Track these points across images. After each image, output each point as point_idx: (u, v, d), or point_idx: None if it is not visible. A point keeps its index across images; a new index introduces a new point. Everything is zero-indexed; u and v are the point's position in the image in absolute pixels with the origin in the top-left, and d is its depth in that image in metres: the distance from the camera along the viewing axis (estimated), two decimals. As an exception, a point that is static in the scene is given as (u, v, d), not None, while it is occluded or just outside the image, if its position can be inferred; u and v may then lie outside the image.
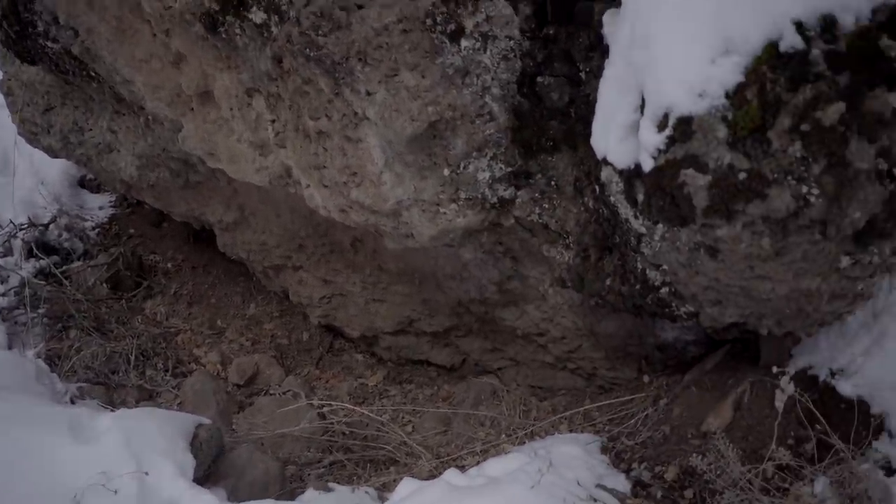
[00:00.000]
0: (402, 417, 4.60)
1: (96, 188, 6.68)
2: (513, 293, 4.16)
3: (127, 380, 4.88)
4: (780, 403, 3.04)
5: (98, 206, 6.56)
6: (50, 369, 4.58)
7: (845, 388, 3.21)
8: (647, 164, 2.50)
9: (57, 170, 6.42)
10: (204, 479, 3.49)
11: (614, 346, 4.15)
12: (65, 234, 6.12)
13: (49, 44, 4.31)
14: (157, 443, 3.38)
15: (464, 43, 3.01)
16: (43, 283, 5.49)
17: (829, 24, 2.11)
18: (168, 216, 5.86)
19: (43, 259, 5.69)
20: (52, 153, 5.38)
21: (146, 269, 6.00)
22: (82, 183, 6.72)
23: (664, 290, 3.05)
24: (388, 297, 4.85)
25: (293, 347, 5.46)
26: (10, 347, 4.89)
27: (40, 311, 5.22)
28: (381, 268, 4.67)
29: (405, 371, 5.19)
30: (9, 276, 5.49)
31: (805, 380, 3.30)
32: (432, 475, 3.67)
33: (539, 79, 3.15)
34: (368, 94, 3.21)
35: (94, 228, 6.32)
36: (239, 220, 5.12)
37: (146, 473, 3.19)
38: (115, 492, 3.06)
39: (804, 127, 2.20)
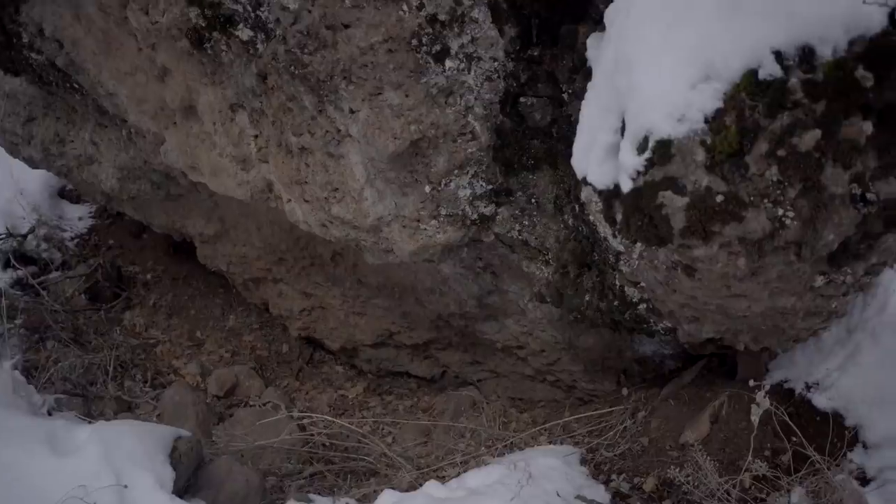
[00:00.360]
0: (383, 429, 4.61)
1: (76, 199, 6.62)
2: (492, 307, 4.19)
3: (105, 391, 4.83)
4: (755, 417, 3.08)
5: (78, 217, 6.49)
6: (27, 381, 4.51)
7: (820, 401, 3.28)
8: (626, 186, 2.53)
9: (37, 180, 6.34)
10: (183, 491, 3.47)
11: (593, 359, 4.18)
12: (43, 245, 6.05)
13: (33, 55, 4.27)
14: (136, 455, 3.35)
15: (448, 63, 3.04)
16: (20, 293, 5.42)
17: (807, 54, 2.15)
18: (148, 227, 5.83)
19: (20, 269, 5.62)
20: (33, 164, 5.33)
21: (125, 280, 5.96)
22: (62, 193, 6.65)
23: (642, 306, 3.09)
24: (368, 310, 4.86)
25: (273, 359, 5.45)
26: (-16, 361, 4.85)
27: (17, 321, 5.15)
28: (360, 281, 4.68)
29: (385, 383, 5.20)
30: (-16, 287, 5.44)
31: (781, 393, 3.36)
32: (413, 486, 3.68)
33: (522, 99, 3.18)
34: (352, 111, 3.23)
35: (73, 239, 6.27)
36: (219, 232, 5.11)
37: (125, 486, 3.17)
38: None
39: (781, 152, 2.24)
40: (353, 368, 5.34)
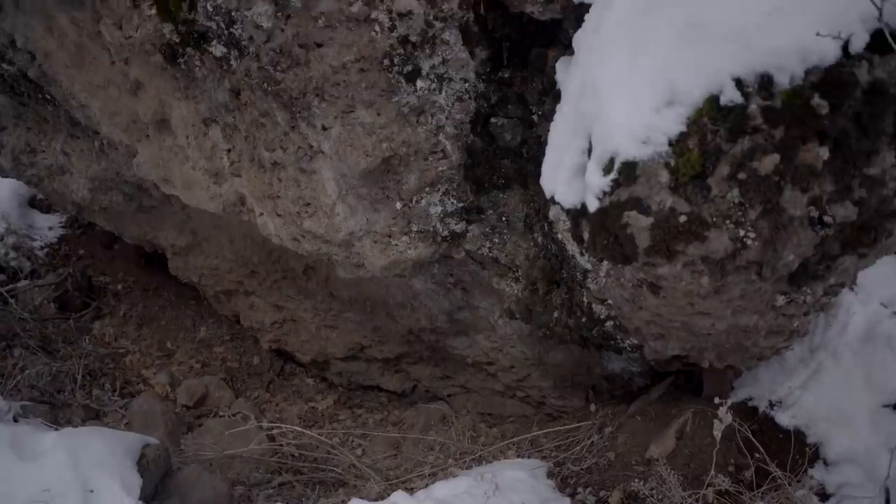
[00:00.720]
0: (352, 441, 4.63)
1: (47, 208, 6.59)
2: (463, 323, 4.23)
3: (73, 399, 4.81)
4: (717, 432, 3.14)
5: (48, 227, 6.46)
6: (-7, 387, 4.51)
7: (783, 418, 3.36)
8: (593, 205, 2.59)
9: (7, 189, 6.32)
10: (150, 498, 3.48)
11: (562, 375, 4.23)
12: (12, 253, 6.02)
13: (5, 66, 4.27)
14: (103, 461, 3.36)
15: (420, 84, 3.09)
16: (-11, 301, 5.39)
17: (765, 82, 2.22)
18: (119, 238, 5.81)
19: (-10, 277, 5.59)
20: (2, 173, 5.31)
21: (96, 290, 5.92)
22: (32, 202, 6.62)
23: (609, 323, 3.14)
24: (339, 323, 4.88)
25: (243, 371, 5.44)
26: (-51, 367, 4.83)
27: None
28: (332, 295, 4.70)
29: (356, 396, 5.22)
30: (-48, 294, 5.40)
31: (745, 410, 3.43)
32: (381, 497, 3.70)
33: (493, 119, 3.25)
34: (324, 128, 3.26)
35: (42, 248, 6.23)
36: (191, 244, 5.11)
37: (91, 491, 3.17)
38: None
39: (741, 175, 2.31)
40: (323, 381, 5.35)
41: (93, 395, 4.92)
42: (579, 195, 2.69)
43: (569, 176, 2.74)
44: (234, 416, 4.85)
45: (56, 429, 3.91)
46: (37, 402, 4.64)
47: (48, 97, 4.43)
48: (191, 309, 5.86)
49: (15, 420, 4.22)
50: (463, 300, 4.06)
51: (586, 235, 2.72)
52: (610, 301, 2.99)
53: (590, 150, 2.61)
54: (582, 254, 2.83)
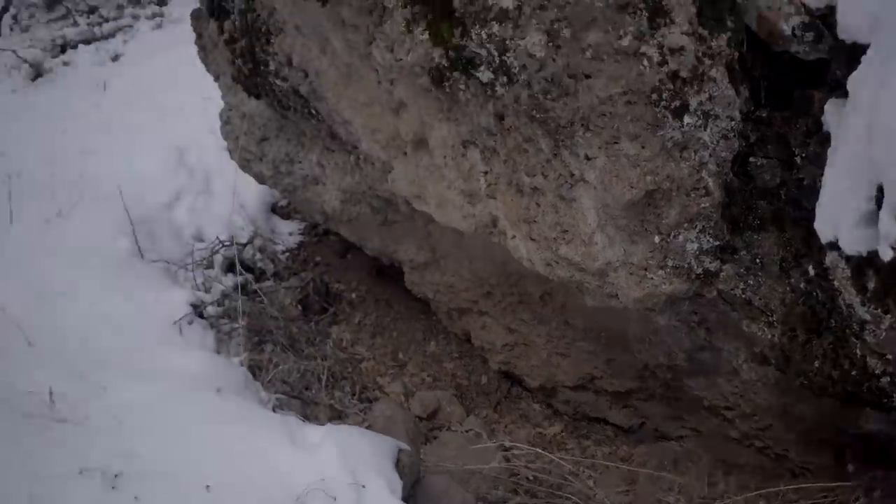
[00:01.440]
0: (583, 471, 4.68)
1: (286, 215, 7.13)
2: (703, 363, 4.19)
3: (319, 398, 5.16)
4: None
5: (288, 232, 6.99)
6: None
7: None
8: (887, 255, 2.54)
9: (254, 196, 6.89)
10: (405, 501, 3.65)
11: (807, 430, 4.10)
12: (258, 255, 6.57)
13: (278, 82, 4.71)
14: (369, 459, 3.60)
15: (686, 119, 3.14)
16: (243, 297, 5.82)
17: None
18: (352, 248, 6.20)
19: (243, 275, 6.04)
20: (261, 180, 5.83)
21: (332, 296, 6.35)
22: (274, 209, 7.19)
23: (885, 379, 3.03)
24: (571, 352, 4.96)
25: (472, 389, 5.63)
26: (217, 353, 5.29)
27: (241, 322, 5.57)
28: (567, 323, 4.78)
29: (582, 426, 5.27)
30: (211, 287, 5.95)
31: None
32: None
33: (751, 159, 3.25)
34: (587, 158, 3.37)
35: (284, 252, 6.76)
36: (430, 261, 5.37)
37: (363, 486, 3.41)
38: (335, 499, 3.28)
39: None
40: (549, 408, 5.44)
41: (335, 397, 5.25)
42: (864, 244, 2.64)
43: (852, 223, 2.69)
44: (467, 432, 5.04)
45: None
46: (289, 396, 5.04)
47: (313, 112, 4.82)
48: (420, 323, 6.13)
49: (273, 411, 4.59)
50: (705, 340, 4.02)
51: (872, 285, 2.67)
52: (889, 356, 2.90)
53: (879, 199, 2.56)
54: (863, 304, 2.77)
